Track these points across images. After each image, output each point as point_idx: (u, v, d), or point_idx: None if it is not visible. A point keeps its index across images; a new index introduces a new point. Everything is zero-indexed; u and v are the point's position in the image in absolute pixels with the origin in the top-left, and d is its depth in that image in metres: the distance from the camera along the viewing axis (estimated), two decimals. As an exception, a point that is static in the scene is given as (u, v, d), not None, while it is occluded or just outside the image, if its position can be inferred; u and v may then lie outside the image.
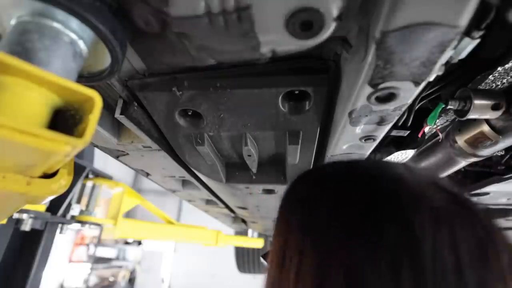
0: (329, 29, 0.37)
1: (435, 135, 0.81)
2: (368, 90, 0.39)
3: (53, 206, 1.80)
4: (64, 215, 1.87)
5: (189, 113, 0.62)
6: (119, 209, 2.20)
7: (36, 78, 0.26)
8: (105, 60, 0.39)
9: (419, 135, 0.68)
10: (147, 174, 1.12)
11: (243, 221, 2.36)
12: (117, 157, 0.92)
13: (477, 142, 0.66)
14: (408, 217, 0.29)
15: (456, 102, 0.56)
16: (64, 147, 0.26)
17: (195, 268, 7.45)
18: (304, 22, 0.35)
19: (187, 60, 0.47)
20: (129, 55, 0.46)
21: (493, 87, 0.58)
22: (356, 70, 0.38)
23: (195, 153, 0.77)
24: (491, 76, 0.55)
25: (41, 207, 1.71)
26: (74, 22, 0.31)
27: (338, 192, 0.35)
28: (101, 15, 0.32)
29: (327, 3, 0.33)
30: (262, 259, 0.54)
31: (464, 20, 0.28)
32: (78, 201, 2.02)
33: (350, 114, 0.48)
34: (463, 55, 0.38)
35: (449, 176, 1.05)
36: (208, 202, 1.60)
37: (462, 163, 0.76)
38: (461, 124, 0.70)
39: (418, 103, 0.59)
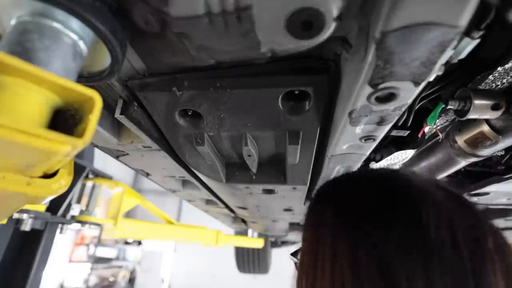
0: (329, 29, 0.37)
1: (435, 135, 0.81)
2: (368, 90, 0.39)
3: (53, 206, 1.80)
4: (64, 215, 1.87)
5: (189, 113, 0.62)
6: (119, 209, 2.20)
7: (36, 78, 0.26)
8: (105, 60, 0.39)
9: (419, 135, 0.68)
10: (147, 174, 1.12)
11: (243, 221, 2.36)
12: (117, 157, 0.92)
13: (477, 142, 0.66)
14: (417, 209, 0.38)
15: (456, 102, 0.56)
16: (64, 147, 0.26)
17: (195, 268, 7.45)
18: (304, 22, 0.35)
19: (187, 60, 0.47)
20: (129, 55, 0.46)
21: (493, 87, 0.58)
22: (356, 70, 0.38)
23: (195, 153, 0.77)
24: (491, 76, 0.55)
25: (41, 207, 1.71)
26: (74, 22, 0.31)
27: (363, 191, 0.44)
28: (101, 15, 0.32)
29: (327, 3, 0.33)
30: (291, 257, 0.60)
31: (464, 20, 0.28)
32: (78, 201, 2.02)
33: (350, 114, 0.48)
34: (463, 55, 0.38)
35: (449, 176, 1.06)
36: (208, 202, 1.60)
37: (462, 163, 0.76)
38: (461, 124, 0.70)
39: (418, 103, 0.59)
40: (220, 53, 0.45)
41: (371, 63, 0.34)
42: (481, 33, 0.36)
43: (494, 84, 0.58)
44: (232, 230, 3.27)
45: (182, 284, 7.46)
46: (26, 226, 1.58)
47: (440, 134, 0.75)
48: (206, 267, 7.35)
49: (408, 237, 0.36)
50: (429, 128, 0.68)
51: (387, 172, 0.48)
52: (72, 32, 0.32)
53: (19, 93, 0.27)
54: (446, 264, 0.34)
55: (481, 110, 0.55)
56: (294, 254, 0.59)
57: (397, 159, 0.79)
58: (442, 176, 0.87)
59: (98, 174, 2.16)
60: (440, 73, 0.37)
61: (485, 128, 0.63)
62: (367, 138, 0.57)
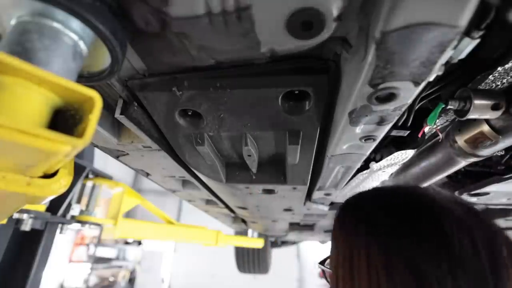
0: (329, 29, 0.37)
1: (435, 135, 0.81)
2: (368, 90, 0.39)
3: (53, 206, 1.80)
4: (64, 215, 1.87)
5: (189, 113, 0.62)
6: (119, 209, 2.20)
7: (36, 78, 0.26)
8: (105, 60, 0.39)
9: (419, 135, 0.68)
10: (147, 174, 1.12)
11: (243, 221, 2.36)
12: (117, 157, 0.92)
13: (477, 142, 0.66)
14: (441, 222, 0.44)
15: (456, 102, 0.56)
16: (64, 147, 0.26)
17: (195, 268, 7.46)
18: (304, 22, 0.35)
19: (187, 60, 0.47)
20: (129, 55, 0.46)
21: (493, 87, 0.58)
22: (356, 70, 0.38)
23: (195, 153, 0.77)
24: (491, 76, 0.55)
25: (41, 207, 1.71)
26: (74, 22, 0.31)
27: (393, 207, 0.50)
28: (101, 15, 0.32)
29: (327, 3, 0.33)
30: (319, 265, 0.64)
31: (464, 20, 0.28)
32: (78, 201, 2.02)
33: (350, 114, 0.48)
34: (463, 55, 0.38)
35: (449, 176, 1.06)
36: (208, 202, 1.60)
37: (462, 163, 0.76)
38: (461, 124, 0.69)
39: (418, 103, 0.59)
40: (220, 53, 0.45)
41: (371, 63, 0.34)
42: (481, 33, 0.36)
43: (494, 84, 0.57)
44: (232, 230, 3.27)
45: (182, 284, 7.46)
46: (26, 226, 1.58)
47: (440, 134, 0.75)
48: (206, 267, 7.35)
49: (437, 247, 0.42)
50: (429, 128, 0.68)
51: (411, 190, 0.54)
52: (72, 32, 0.32)
53: (19, 93, 0.27)
54: (470, 270, 0.40)
55: (481, 110, 0.55)
56: (322, 262, 0.64)
57: (397, 159, 0.79)
58: (442, 176, 0.87)
59: (98, 174, 2.16)
60: (440, 73, 0.37)
61: (485, 128, 0.63)
62: (367, 138, 0.57)
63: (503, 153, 0.86)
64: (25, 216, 1.58)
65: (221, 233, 2.81)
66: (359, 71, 0.37)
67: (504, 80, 0.56)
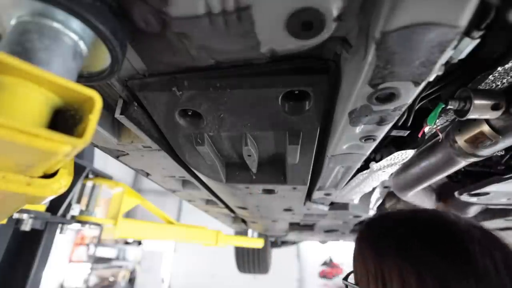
0: (329, 29, 0.37)
1: (435, 135, 0.81)
2: (368, 90, 0.39)
3: (53, 206, 1.79)
4: (64, 215, 1.87)
5: (189, 113, 0.62)
6: (119, 209, 2.19)
7: (36, 78, 0.26)
8: (105, 60, 0.39)
9: (419, 135, 0.68)
10: (147, 174, 1.12)
11: (243, 221, 2.36)
12: (117, 157, 0.92)
13: (477, 142, 0.66)
14: (464, 244, 0.51)
15: (456, 102, 0.56)
16: (64, 147, 0.26)
17: (195, 268, 7.46)
18: (304, 22, 0.35)
19: (187, 60, 0.47)
20: (129, 55, 0.46)
21: (493, 87, 0.58)
22: (356, 70, 0.38)
23: (195, 153, 0.77)
24: (491, 76, 0.55)
25: (41, 207, 1.71)
26: (74, 22, 0.31)
27: (421, 230, 0.56)
28: (101, 15, 0.32)
29: (327, 3, 0.33)
30: (343, 281, 0.68)
31: (464, 20, 0.28)
32: (78, 201, 2.02)
33: (350, 114, 0.48)
34: (463, 55, 0.38)
35: (449, 176, 1.06)
36: (208, 202, 1.60)
37: (462, 163, 0.76)
38: (461, 124, 0.69)
39: (418, 103, 0.59)
40: (220, 53, 0.45)
41: (371, 63, 0.34)
42: (481, 33, 0.36)
43: (494, 84, 0.57)
44: (232, 230, 3.27)
45: (182, 284, 7.46)
46: (26, 226, 1.58)
47: (440, 134, 0.75)
48: (206, 267, 7.35)
49: (462, 264, 0.48)
50: (429, 128, 0.68)
51: (433, 214, 0.61)
52: (72, 32, 0.32)
53: (19, 93, 0.27)
54: (492, 285, 0.46)
55: (481, 110, 0.55)
56: (345, 278, 0.69)
57: (397, 159, 0.79)
58: (442, 176, 0.87)
59: (98, 174, 2.16)
60: (440, 73, 0.37)
61: (485, 128, 0.63)
62: (367, 138, 0.57)
63: (503, 153, 0.86)
64: (25, 216, 1.58)
65: (221, 233, 2.81)
66: (359, 71, 0.37)
67: (504, 80, 0.56)
